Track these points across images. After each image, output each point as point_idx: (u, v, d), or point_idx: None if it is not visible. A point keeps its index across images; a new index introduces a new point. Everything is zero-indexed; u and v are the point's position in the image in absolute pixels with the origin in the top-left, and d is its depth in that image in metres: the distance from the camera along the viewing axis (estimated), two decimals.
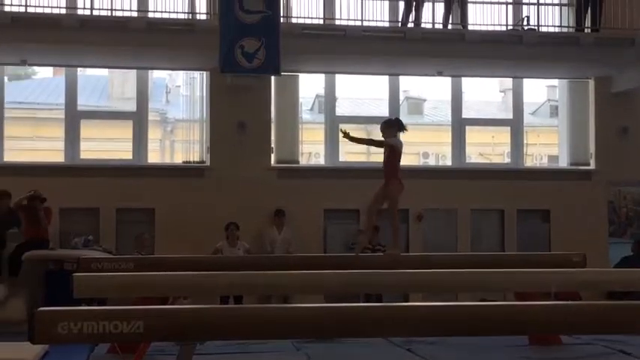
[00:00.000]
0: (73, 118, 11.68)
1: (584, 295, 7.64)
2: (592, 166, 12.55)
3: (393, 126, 7.14)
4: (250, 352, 5.97)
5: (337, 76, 12.30)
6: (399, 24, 11.76)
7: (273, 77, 11.51)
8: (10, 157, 11.60)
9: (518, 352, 6.22)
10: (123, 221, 11.32)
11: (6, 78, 12.09)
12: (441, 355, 6.00)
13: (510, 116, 13.03)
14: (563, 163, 12.85)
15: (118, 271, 6.17)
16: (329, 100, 12.41)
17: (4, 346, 7.13)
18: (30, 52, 11.10)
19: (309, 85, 13.08)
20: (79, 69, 11.97)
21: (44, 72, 15.33)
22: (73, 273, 6.00)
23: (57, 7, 11.01)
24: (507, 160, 13.31)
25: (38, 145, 13.56)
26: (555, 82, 13.90)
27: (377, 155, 13.40)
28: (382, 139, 7.06)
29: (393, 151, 6.98)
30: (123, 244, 11.00)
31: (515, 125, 12.81)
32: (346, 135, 7.17)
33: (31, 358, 6.64)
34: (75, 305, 4.27)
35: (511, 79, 13.06)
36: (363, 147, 14.05)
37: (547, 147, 14.69)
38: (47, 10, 10.90)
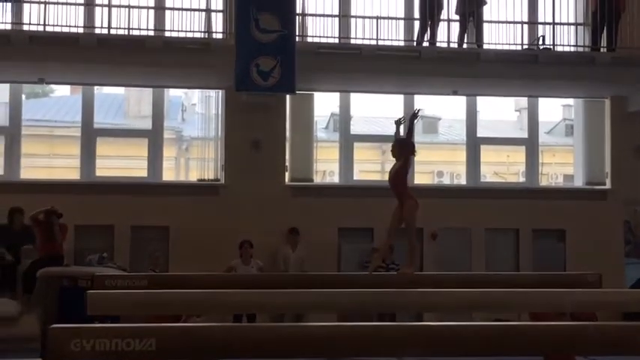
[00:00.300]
0: (89, 135, 11.76)
1: (599, 315, 7.55)
2: (607, 186, 12.48)
3: (408, 147, 7.05)
4: None
5: (352, 94, 12.34)
6: (414, 43, 11.79)
7: (288, 96, 11.55)
8: (26, 174, 11.69)
9: None
10: (137, 239, 11.35)
11: (24, 96, 12.21)
12: None
13: (526, 135, 12.99)
14: (579, 182, 12.78)
15: (131, 289, 6.16)
16: (344, 118, 12.44)
17: None
18: (47, 71, 11.22)
19: (324, 103, 13.12)
20: (95, 87, 12.07)
21: (61, 90, 15.47)
22: (87, 290, 6.01)
23: (75, 26, 11.13)
24: (522, 179, 13.26)
25: (54, 163, 13.66)
26: (571, 101, 13.85)
27: None
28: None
29: (406, 168, 6.96)
30: (137, 262, 11.02)
31: (531, 144, 12.77)
32: (399, 121, 7.09)
33: None
34: (89, 322, 4.27)
35: (526, 98, 13.04)
36: (377, 166, 14.09)
37: (562, 166, 14.62)
38: (65, 29, 11.01)
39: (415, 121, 7.01)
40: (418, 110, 7.14)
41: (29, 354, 7.26)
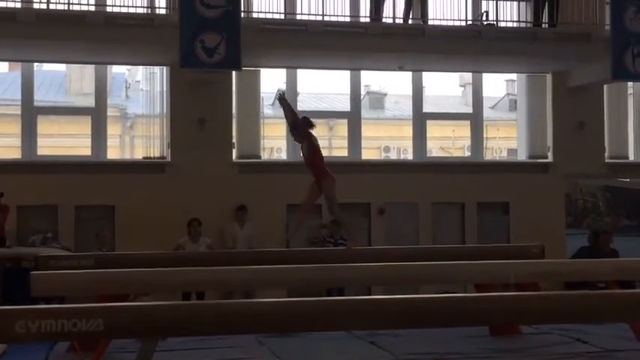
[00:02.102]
0: (30, 114, 11.47)
1: (542, 285, 7.75)
2: (550, 159, 12.74)
3: (309, 125, 7.22)
4: (213, 347, 5.95)
5: (299, 70, 12.29)
6: (369, 19, 11.77)
7: (234, 72, 11.44)
8: None
9: (480, 343, 6.30)
10: (82, 219, 11.16)
11: None
12: (404, 348, 6.04)
13: (470, 110, 13.15)
14: (522, 156, 13.02)
15: (77, 269, 6.09)
16: (290, 94, 12.38)
17: None
18: None
19: (271, 79, 13.06)
20: (35, 64, 11.77)
21: None
22: (31, 271, 5.91)
23: (12, 0, 10.79)
24: (468, 153, 13.43)
25: None
26: (514, 76, 14.07)
27: (338, 150, 13.50)
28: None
29: (318, 149, 7.10)
30: (82, 242, 10.84)
31: (475, 119, 12.94)
32: (282, 97, 7.21)
33: None
34: (34, 304, 4.20)
35: (471, 73, 13.19)
36: (324, 142, 14.12)
37: (506, 140, 14.90)
38: (2, 4, 10.68)
39: (284, 101, 7.17)
40: (281, 92, 7.32)
41: None
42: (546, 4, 12.07)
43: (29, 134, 11.42)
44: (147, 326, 3.66)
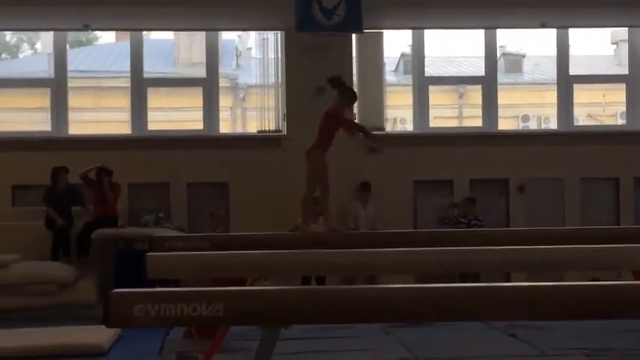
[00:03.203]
0: (140, 86, 11.94)
1: None
2: None
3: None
4: (337, 336, 6.08)
5: (426, 31, 12.19)
6: None
7: (354, 35, 11.49)
8: (73, 129, 11.99)
9: (637, 338, 6.13)
10: (194, 196, 11.59)
11: (67, 45, 12.45)
12: (549, 342, 5.97)
13: (625, 72, 12.66)
14: None
15: (192, 251, 6.33)
16: (417, 59, 12.32)
17: (76, 330, 7.49)
18: (92, 16, 11.41)
19: (394, 43, 13.03)
20: (144, 33, 12.23)
21: (106, 37, 15.75)
22: (146, 252, 6.22)
23: None
24: (621, 121, 12.96)
25: (102, 117, 13.97)
26: None
27: (471, 119, 13.34)
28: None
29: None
30: (195, 221, 11.28)
31: (631, 81, 12.45)
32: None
33: (105, 342, 6.97)
34: (147, 286, 4.42)
35: (626, 28, 12.66)
36: (454, 111, 13.98)
37: None
38: None
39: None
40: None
41: (87, 321, 7.57)
42: None
43: (139, 108, 11.91)
44: (271, 313, 3.77)
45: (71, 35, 13.00)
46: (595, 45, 15.41)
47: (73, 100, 12.26)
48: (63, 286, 9.83)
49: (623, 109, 12.70)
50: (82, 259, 10.58)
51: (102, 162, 10.78)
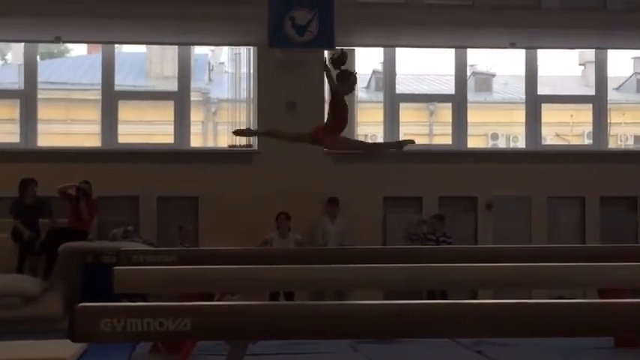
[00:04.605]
0: (111, 99, 11.88)
1: None
2: None
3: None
4: (304, 352, 6.06)
5: (397, 49, 12.26)
6: None
7: (326, 52, 11.53)
8: (42, 141, 11.88)
9: (603, 356, 6.18)
10: (164, 210, 11.53)
11: (38, 57, 12.35)
12: (514, 358, 6.00)
13: (592, 92, 12.82)
14: None
15: (160, 265, 6.30)
16: (388, 76, 12.38)
17: (41, 344, 7.38)
18: (64, 28, 11.34)
19: (365, 60, 13.09)
20: (115, 45, 12.17)
21: (77, 50, 15.64)
22: (113, 266, 6.17)
23: None
24: (588, 141, 13.10)
25: (72, 129, 13.85)
26: None
27: (441, 137, 13.42)
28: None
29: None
30: (164, 235, 11.21)
31: (598, 102, 12.60)
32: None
33: (70, 357, 6.87)
34: (114, 301, 4.39)
35: (593, 50, 12.84)
36: (424, 129, 14.05)
37: (634, 126, 14.41)
38: None
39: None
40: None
41: (52, 335, 7.47)
42: None
43: (110, 121, 11.84)
44: (238, 328, 3.77)
45: (42, 47, 12.90)
46: (563, 66, 15.60)
47: (43, 112, 12.16)
48: (29, 300, 9.71)
49: (590, 129, 12.85)
50: (48, 274, 10.37)
51: (81, 181, 10.63)
